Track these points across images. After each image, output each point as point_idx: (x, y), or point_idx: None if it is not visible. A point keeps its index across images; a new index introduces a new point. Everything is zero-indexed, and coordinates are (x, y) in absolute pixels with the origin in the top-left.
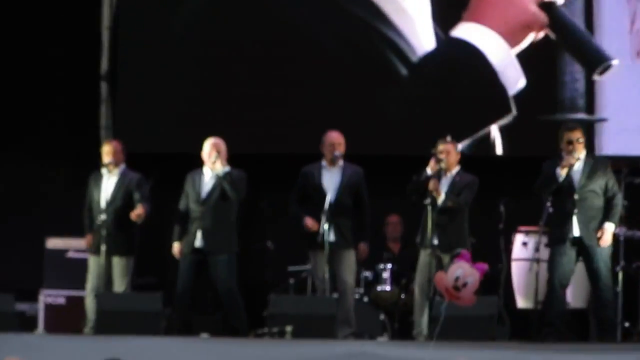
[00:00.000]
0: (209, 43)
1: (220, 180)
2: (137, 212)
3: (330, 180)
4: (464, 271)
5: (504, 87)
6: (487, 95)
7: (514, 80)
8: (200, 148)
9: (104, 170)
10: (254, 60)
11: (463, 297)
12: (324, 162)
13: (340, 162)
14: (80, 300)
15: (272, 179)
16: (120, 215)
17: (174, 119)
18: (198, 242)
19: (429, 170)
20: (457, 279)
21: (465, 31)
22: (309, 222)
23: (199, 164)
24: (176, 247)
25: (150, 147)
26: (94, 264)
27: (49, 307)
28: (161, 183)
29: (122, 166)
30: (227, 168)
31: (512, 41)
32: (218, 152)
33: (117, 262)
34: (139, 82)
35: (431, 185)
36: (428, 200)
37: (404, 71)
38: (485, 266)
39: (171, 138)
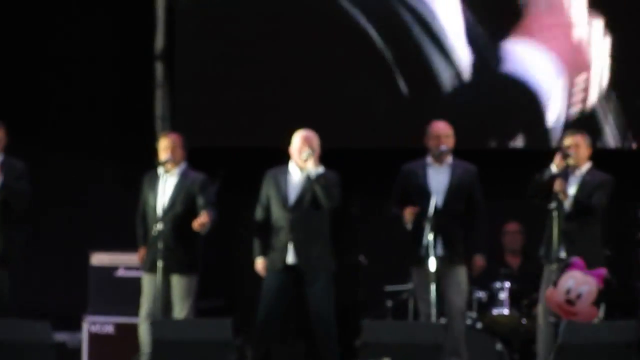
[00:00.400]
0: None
1: (312, 183)
2: (201, 220)
3: (437, 180)
4: (575, 281)
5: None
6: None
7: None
8: (279, 141)
9: (160, 170)
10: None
11: (580, 311)
12: (429, 159)
13: (449, 159)
14: (133, 329)
15: (364, 179)
16: (180, 224)
17: (245, 106)
18: (291, 257)
19: (554, 168)
20: (568, 291)
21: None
22: (407, 211)
23: (280, 160)
24: (260, 263)
25: (217, 140)
26: (148, 284)
27: (94, 337)
28: (231, 184)
29: (183, 164)
30: (321, 169)
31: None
32: (311, 148)
33: (178, 282)
34: (202, 62)
35: (557, 185)
36: (553, 204)
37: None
38: (602, 271)
39: (242, 129)
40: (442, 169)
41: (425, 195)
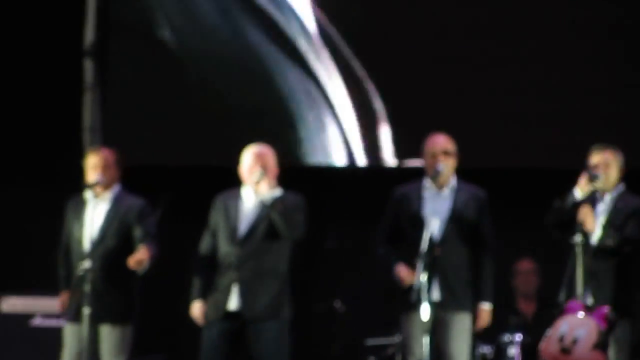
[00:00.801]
0: None
1: (267, 209)
2: (139, 256)
3: (435, 207)
4: (569, 325)
5: None
6: None
7: None
8: (233, 159)
9: (88, 194)
10: None
11: (579, 358)
12: (426, 181)
13: (452, 182)
14: None
15: (342, 205)
16: (113, 261)
17: (193, 115)
18: (233, 302)
19: (577, 193)
20: (561, 338)
21: None
22: (403, 271)
23: (234, 182)
24: (197, 308)
25: (158, 158)
26: (72, 337)
27: None
28: (175, 212)
29: (116, 187)
30: (278, 191)
31: None
32: (264, 167)
33: (108, 334)
34: (140, 60)
35: (581, 214)
36: (577, 238)
37: None
38: (604, 309)
39: (189, 143)
40: (442, 194)
41: (420, 226)
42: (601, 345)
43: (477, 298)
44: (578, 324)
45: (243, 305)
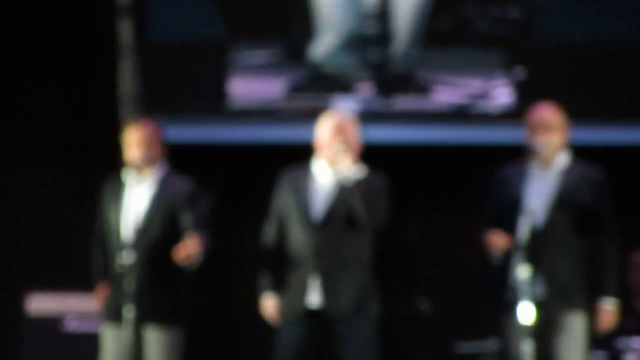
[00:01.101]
0: None
1: (348, 191)
2: (187, 249)
3: (538, 191)
4: None
5: None
6: None
7: None
8: (305, 132)
9: (128, 175)
10: None
11: None
12: (531, 160)
13: (561, 160)
14: None
15: (428, 189)
16: (159, 254)
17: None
18: (315, 298)
19: None
20: None
21: None
22: (495, 236)
23: (300, 158)
24: (270, 304)
25: (210, 133)
26: (112, 341)
27: None
28: (231, 196)
29: (161, 167)
30: (362, 171)
31: None
32: (347, 140)
33: (155, 338)
34: (183, 17)
35: None
36: None
37: None
38: None
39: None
40: (548, 175)
41: (521, 211)
42: None
43: (595, 294)
44: None
45: (326, 302)
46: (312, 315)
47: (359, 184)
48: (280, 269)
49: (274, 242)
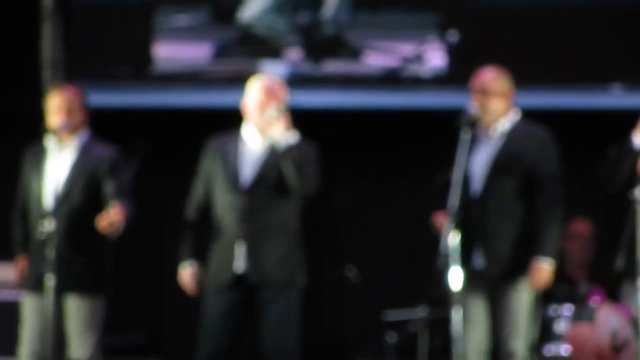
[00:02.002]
0: None
1: (279, 157)
2: (110, 217)
3: (479, 156)
4: (619, 321)
5: None
6: None
7: None
8: (232, 97)
9: (49, 142)
10: None
11: None
12: (463, 129)
13: (505, 124)
14: None
15: (356, 155)
16: (80, 222)
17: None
18: (240, 264)
19: (637, 139)
20: (614, 333)
21: None
22: (438, 218)
23: (232, 123)
24: (189, 272)
25: (135, 96)
26: (32, 310)
27: None
28: (153, 163)
29: (84, 133)
30: (293, 136)
31: None
32: (278, 104)
33: (76, 306)
34: None
35: None
36: (639, 192)
37: None
38: (628, 309)
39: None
40: (491, 140)
41: (464, 179)
42: None
43: (533, 253)
44: (624, 324)
45: (251, 267)
46: (238, 281)
47: (291, 150)
48: (203, 237)
49: (197, 210)
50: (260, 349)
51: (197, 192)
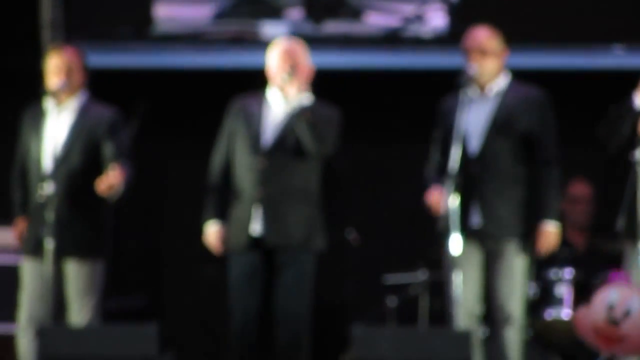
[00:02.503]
0: None
1: (295, 118)
2: (109, 179)
3: (475, 116)
4: (620, 294)
5: None
6: None
7: None
8: (233, 58)
9: (48, 103)
10: None
11: (628, 334)
12: (469, 86)
13: (500, 83)
14: (9, 341)
15: (357, 115)
16: (79, 184)
17: None
18: (256, 227)
19: (637, 99)
20: (610, 307)
21: None
22: (433, 196)
23: (244, 81)
24: (212, 232)
25: (137, 56)
26: (32, 274)
27: None
28: (156, 122)
29: (82, 94)
30: (308, 97)
31: None
32: (294, 66)
33: (75, 270)
34: None
35: None
36: (638, 156)
37: None
38: None
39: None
40: (485, 100)
41: (459, 141)
42: None
43: (537, 218)
44: (630, 295)
45: (268, 230)
46: (255, 244)
47: (305, 111)
48: (226, 197)
49: (220, 170)
50: (272, 310)
51: (219, 151)
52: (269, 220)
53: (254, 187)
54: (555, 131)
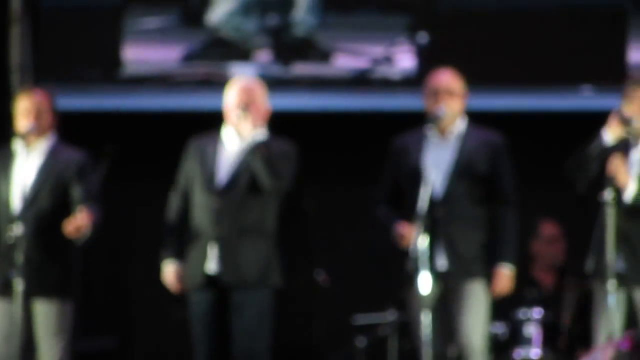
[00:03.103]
0: None
1: (251, 155)
2: (77, 222)
3: (437, 158)
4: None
5: None
6: None
7: None
8: (202, 100)
9: (18, 145)
10: None
11: None
12: (428, 128)
13: (459, 127)
14: None
15: (325, 159)
16: (47, 226)
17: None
18: (212, 265)
19: (607, 137)
20: None
21: None
22: (403, 228)
23: (201, 125)
24: (170, 271)
25: (104, 99)
26: (2, 314)
27: None
28: (125, 165)
29: (52, 137)
30: (263, 133)
31: None
32: (249, 103)
33: (44, 310)
34: None
35: (612, 166)
36: (608, 195)
37: None
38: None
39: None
40: (446, 143)
41: (420, 182)
42: None
43: (495, 260)
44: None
45: (223, 268)
46: (212, 282)
47: (258, 146)
48: (183, 237)
49: (177, 211)
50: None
51: (177, 192)
52: (224, 258)
53: (209, 226)
54: (512, 175)
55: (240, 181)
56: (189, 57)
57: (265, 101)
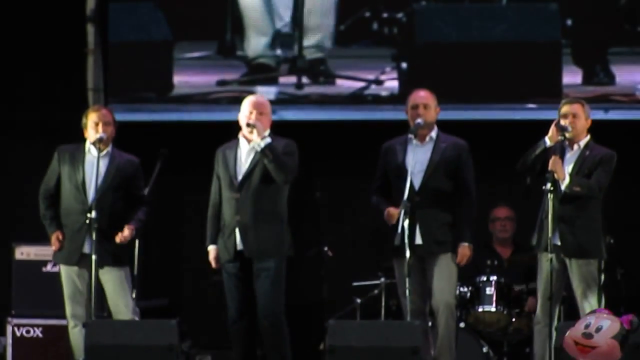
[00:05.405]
0: None
1: (259, 155)
2: (124, 234)
3: (417, 158)
4: (596, 317)
5: None
6: None
7: None
8: (233, 114)
9: (90, 149)
10: None
11: (598, 343)
12: (411, 135)
13: (433, 134)
14: (63, 331)
15: (330, 157)
16: (112, 212)
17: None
18: (238, 243)
19: (547, 142)
20: (587, 325)
21: None
22: (390, 210)
23: (233, 134)
24: (212, 251)
25: (159, 114)
26: (70, 279)
27: (19, 341)
28: (174, 165)
29: (110, 147)
30: (268, 138)
31: None
32: (258, 115)
33: (111, 275)
34: (135, 25)
35: (551, 163)
36: (548, 186)
37: None
38: (629, 317)
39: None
40: (424, 146)
41: (403, 176)
42: (619, 337)
43: (458, 240)
44: (605, 318)
45: (245, 246)
46: (238, 256)
47: (267, 148)
48: (219, 224)
49: (213, 205)
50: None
51: (212, 191)
52: (245, 238)
53: (233, 215)
54: (472, 172)
55: (254, 176)
56: (223, 82)
57: (270, 113)
